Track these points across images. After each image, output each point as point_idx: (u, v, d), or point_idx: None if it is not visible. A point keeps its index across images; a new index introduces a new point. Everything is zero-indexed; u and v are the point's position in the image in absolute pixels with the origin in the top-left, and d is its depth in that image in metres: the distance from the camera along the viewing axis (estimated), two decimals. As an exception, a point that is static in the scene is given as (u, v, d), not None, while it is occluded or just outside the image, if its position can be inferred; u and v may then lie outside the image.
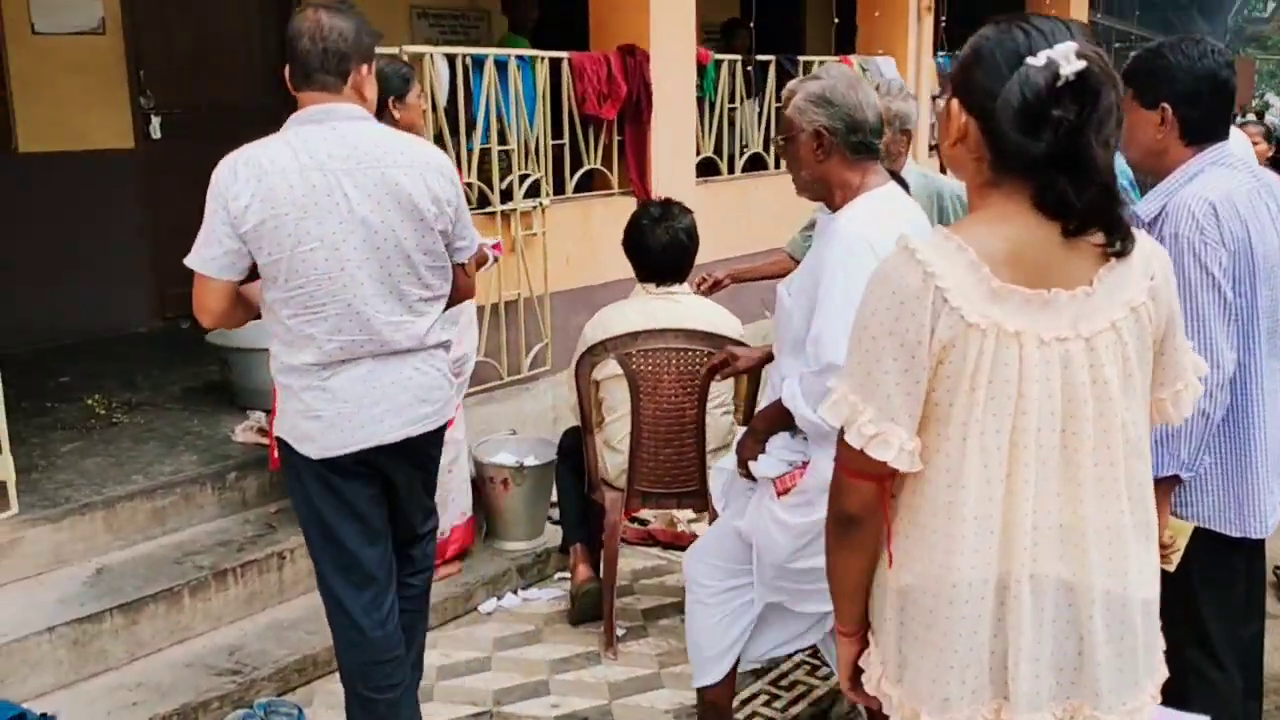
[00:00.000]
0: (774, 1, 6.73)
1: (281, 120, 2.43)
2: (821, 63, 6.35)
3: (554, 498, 4.09)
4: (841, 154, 2.44)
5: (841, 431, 1.56)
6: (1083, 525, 1.52)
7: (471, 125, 4.35)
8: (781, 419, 2.48)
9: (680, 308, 3.39)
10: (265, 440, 3.83)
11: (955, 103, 1.55)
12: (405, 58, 4.01)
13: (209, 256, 2.36)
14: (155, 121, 5.61)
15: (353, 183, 2.36)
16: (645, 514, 4.27)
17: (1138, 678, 1.59)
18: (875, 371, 1.51)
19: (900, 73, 6.88)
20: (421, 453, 2.67)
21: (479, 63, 4.36)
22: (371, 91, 2.49)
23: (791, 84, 2.52)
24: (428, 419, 2.59)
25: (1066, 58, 1.44)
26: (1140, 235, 1.58)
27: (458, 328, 3.50)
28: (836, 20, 6.87)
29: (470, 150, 4.35)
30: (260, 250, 2.35)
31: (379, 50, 3.93)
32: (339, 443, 2.46)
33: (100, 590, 3.16)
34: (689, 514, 4.51)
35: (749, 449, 2.59)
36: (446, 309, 2.66)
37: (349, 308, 2.39)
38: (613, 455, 3.49)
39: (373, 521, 2.59)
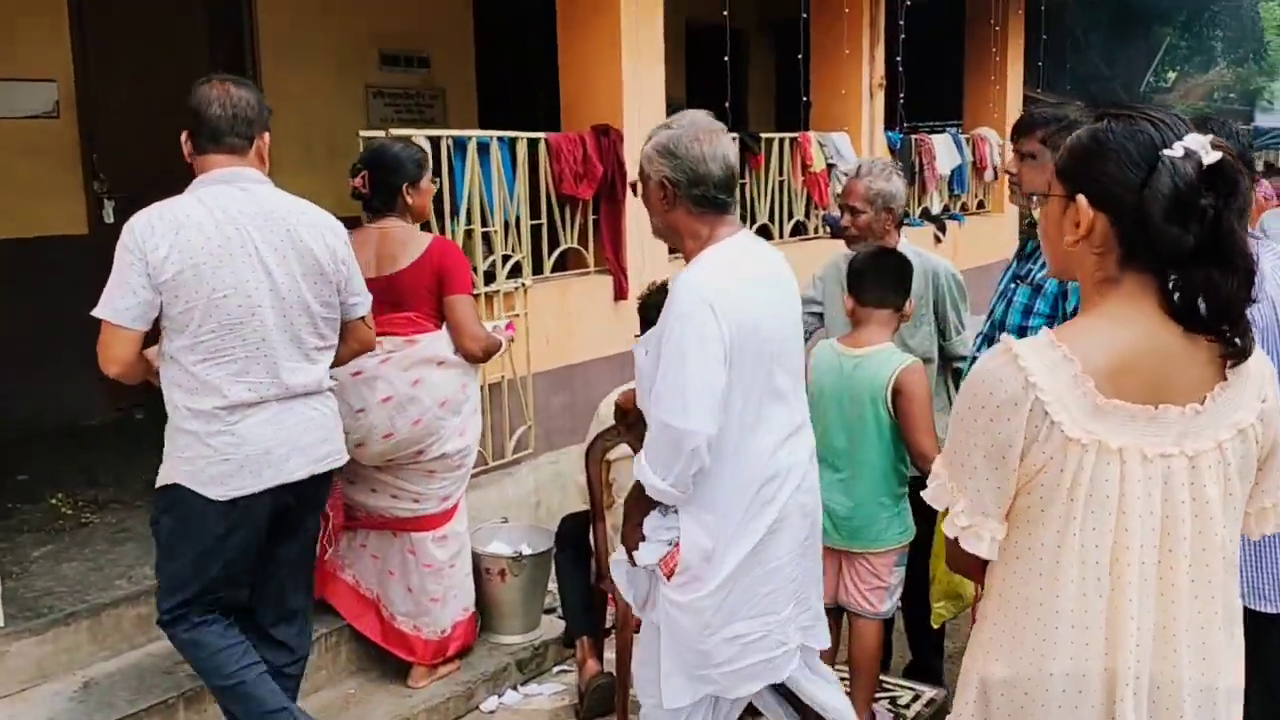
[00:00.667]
0: (718, 81, 6.84)
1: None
2: (788, 138, 6.47)
3: (551, 587, 3.98)
4: (686, 205, 2.48)
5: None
6: (1175, 626, 1.53)
7: (455, 207, 4.28)
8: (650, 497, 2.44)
9: (694, 389, 3.33)
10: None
11: (1081, 199, 1.53)
12: (389, 138, 3.95)
13: (123, 307, 2.52)
14: (109, 206, 5.43)
15: (262, 238, 2.60)
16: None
17: None
18: (968, 465, 1.56)
19: (854, 148, 7.02)
20: (320, 494, 2.88)
21: (460, 144, 4.32)
22: (265, 156, 2.75)
23: (652, 130, 2.56)
24: (329, 458, 2.80)
25: (1204, 147, 1.46)
26: (1258, 353, 1.56)
27: (460, 418, 3.40)
28: (805, 99, 6.97)
29: (454, 232, 4.28)
30: (176, 299, 2.53)
31: (365, 135, 3.91)
32: (249, 484, 2.61)
33: (90, 706, 2.96)
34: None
35: (631, 537, 2.52)
36: (349, 360, 2.98)
37: (258, 351, 2.60)
38: (623, 542, 3.39)
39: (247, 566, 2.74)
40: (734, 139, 5.94)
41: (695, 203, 2.46)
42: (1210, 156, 1.45)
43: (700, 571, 2.43)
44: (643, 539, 2.50)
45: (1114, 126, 1.53)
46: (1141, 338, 1.50)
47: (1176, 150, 1.46)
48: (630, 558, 2.53)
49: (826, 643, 2.78)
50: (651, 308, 3.38)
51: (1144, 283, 1.50)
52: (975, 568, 1.66)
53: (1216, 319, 1.48)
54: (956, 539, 1.59)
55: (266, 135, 2.75)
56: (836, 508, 3.23)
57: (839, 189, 6.89)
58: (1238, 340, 1.49)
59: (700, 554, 2.44)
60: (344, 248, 2.78)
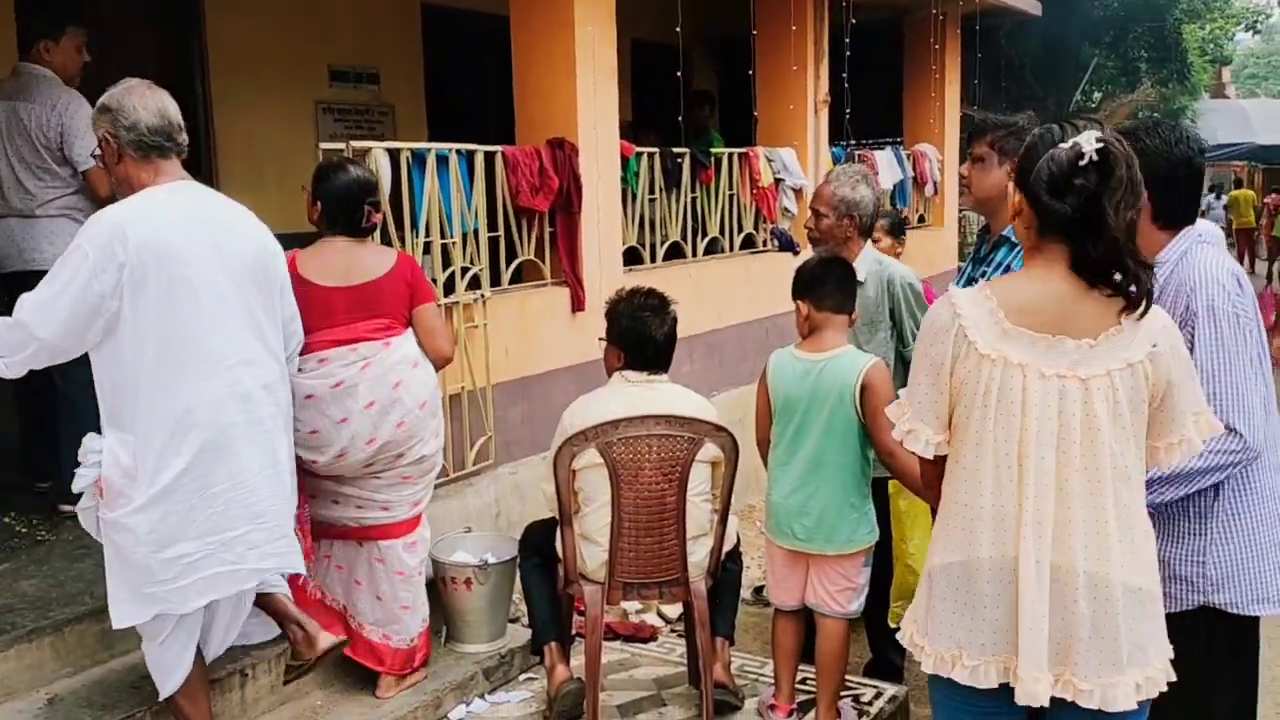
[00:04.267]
0: (661, 97, 6.93)
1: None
2: (737, 153, 6.56)
3: (516, 596, 3.99)
4: (130, 155, 2.75)
5: None
6: (1070, 520, 1.90)
7: (415, 219, 4.30)
8: None
9: (661, 395, 3.39)
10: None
11: (1011, 184, 2.03)
12: (349, 153, 3.97)
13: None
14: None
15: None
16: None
17: (1118, 659, 1.91)
18: (915, 385, 2.03)
19: (800, 162, 7.15)
20: None
21: (419, 157, 4.34)
22: None
23: None
24: None
25: (1089, 140, 1.87)
26: (1157, 311, 1.95)
27: (436, 420, 3.44)
28: (755, 115, 7.08)
29: (413, 244, 4.30)
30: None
31: (326, 147, 3.92)
32: None
33: (55, 723, 2.91)
34: (635, 605, 4.47)
35: None
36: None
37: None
38: (590, 547, 3.42)
39: None
40: (684, 154, 6.08)
41: (136, 149, 2.74)
42: (1090, 148, 1.85)
43: (125, 488, 2.66)
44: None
45: (1040, 130, 1.99)
46: (1047, 287, 1.94)
47: (1065, 145, 1.88)
48: None
49: (297, 568, 3.00)
50: (621, 315, 3.44)
51: (1058, 248, 1.94)
52: (935, 479, 2.08)
53: (1095, 275, 1.90)
54: (900, 441, 2.09)
55: None
56: (805, 511, 3.29)
57: (786, 203, 7.05)
58: (1131, 291, 1.89)
59: (121, 472, 2.68)
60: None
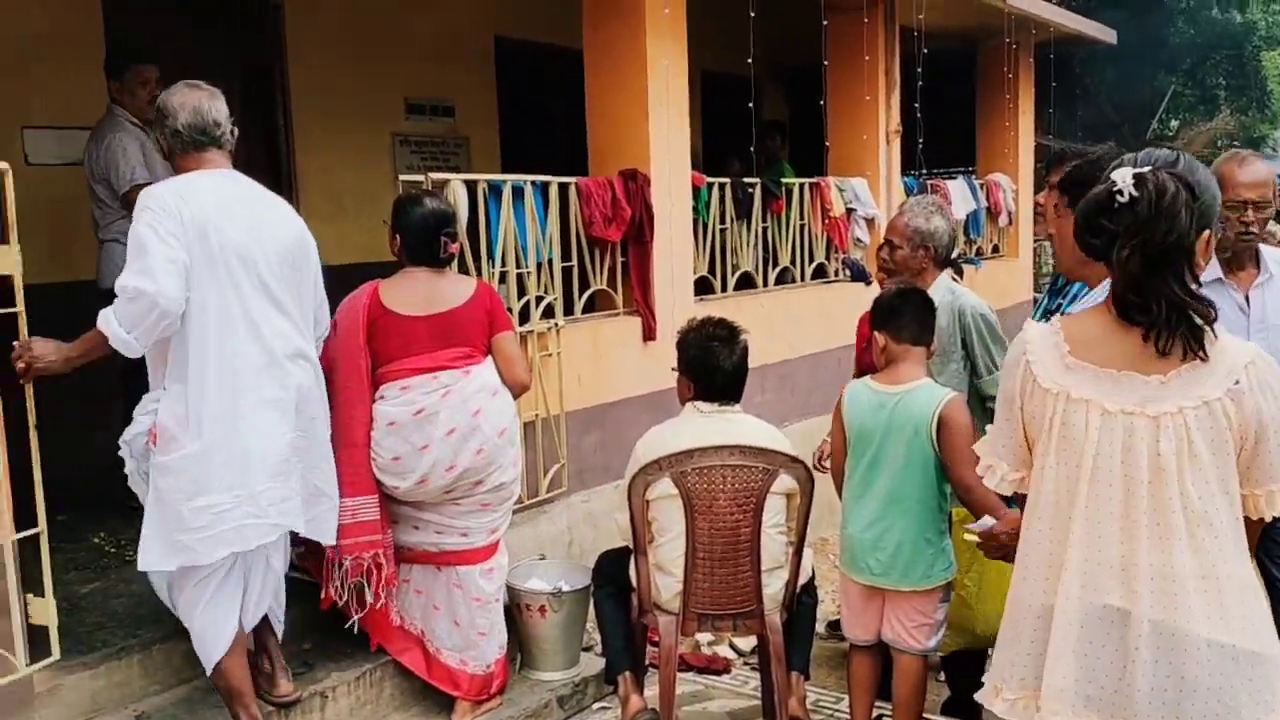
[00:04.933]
0: (732, 127, 6.95)
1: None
2: (808, 183, 6.56)
3: (589, 625, 4.00)
4: (178, 150, 3.04)
5: None
6: (1136, 564, 1.82)
7: (491, 249, 4.37)
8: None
9: (733, 425, 3.39)
10: (296, 575, 3.69)
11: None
12: (428, 185, 4.05)
13: None
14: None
15: None
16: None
17: (1191, 716, 1.79)
18: (996, 417, 2.03)
19: (872, 192, 7.13)
20: None
21: (496, 189, 4.41)
22: None
23: None
24: None
25: (1123, 177, 1.83)
26: (1238, 345, 1.87)
27: (515, 448, 3.48)
28: (827, 145, 7.09)
29: (489, 273, 4.36)
30: None
31: (406, 179, 4.00)
32: None
33: (144, 740, 2.98)
34: (708, 637, 4.45)
35: None
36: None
37: None
38: (664, 577, 3.42)
39: None
40: (755, 184, 6.09)
41: (182, 145, 3.01)
42: (1123, 185, 1.82)
43: (178, 433, 2.88)
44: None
45: (1090, 159, 2.13)
46: (1114, 321, 1.89)
47: (1104, 180, 1.85)
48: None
49: (316, 535, 3.18)
50: (690, 344, 3.45)
51: None
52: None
53: (1121, 312, 1.87)
54: (982, 476, 2.07)
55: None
56: (881, 545, 3.26)
57: (858, 233, 7.02)
58: (1163, 329, 1.82)
59: (175, 419, 2.90)
60: None
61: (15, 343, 2.87)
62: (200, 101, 3.00)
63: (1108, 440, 1.83)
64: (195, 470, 2.86)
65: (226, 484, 2.88)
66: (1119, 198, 1.82)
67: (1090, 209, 1.87)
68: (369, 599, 3.33)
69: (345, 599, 3.35)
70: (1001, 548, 2.66)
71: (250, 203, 3.03)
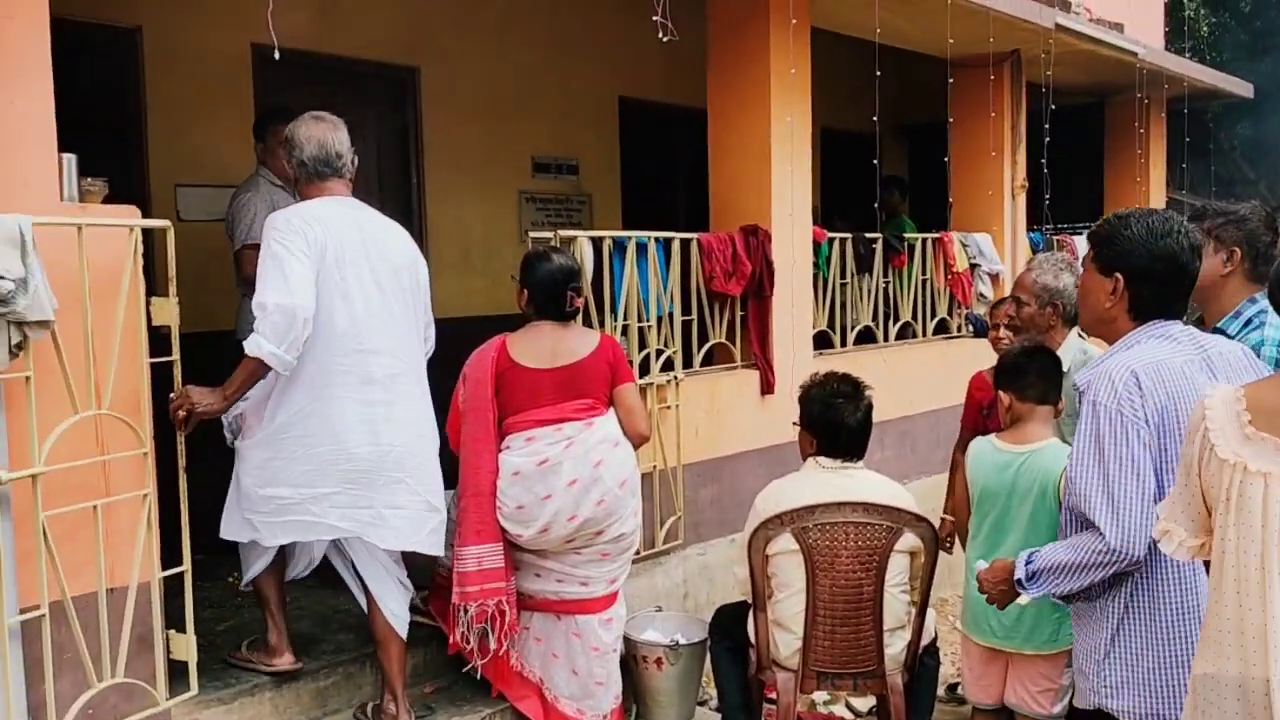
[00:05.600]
0: (852, 184, 6.95)
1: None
2: (931, 238, 6.51)
3: (705, 678, 3.99)
4: (301, 178, 3.26)
5: None
6: None
7: (615, 303, 4.45)
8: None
9: (856, 482, 3.37)
10: (419, 619, 3.77)
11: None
12: (556, 241, 4.15)
13: None
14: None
15: None
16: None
17: None
18: (1176, 481, 1.95)
19: (996, 248, 7.02)
20: None
21: (620, 244, 4.50)
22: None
23: None
24: None
25: None
26: None
27: (636, 499, 3.52)
28: (950, 201, 7.04)
29: (612, 326, 4.44)
30: None
31: (536, 235, 4.13)
32: None
33: (274, 775, 3.07)
34: (824, 695, 4.37)
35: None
36: None
37: None
38: (783, 634, 3.39)
39: None
40: (877, 239, 6.07)
41: (304, 172, 3.24)
42: None
43: (253, 423, 3.17)
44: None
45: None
46: None
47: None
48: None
49: (388, 544, 3.27)
50: (814, 400, 3.45)
51: None
52: None
53: None
54: (1157, 540, 1.99)
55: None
56: (1007, 609, 3.18)
57: (982, 288, 6.92)
58: None
59: (253, 408, 3.18)
60: None
61: (172, 394, 3.05)
62: (325, 134, 3.21)
63: None
64: (263, 460, 3.12)
65: (293, 481, 3.09)
66: None
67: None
68: (492, 645, 3.39)
69: (470, 645, 3.41)
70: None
71: (367, 225, 3.23)
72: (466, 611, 3.37)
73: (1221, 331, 2.99)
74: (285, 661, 3.34)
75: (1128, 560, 2.23)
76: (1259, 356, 2.79)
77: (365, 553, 3.31)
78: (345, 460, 3.11)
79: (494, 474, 3.41)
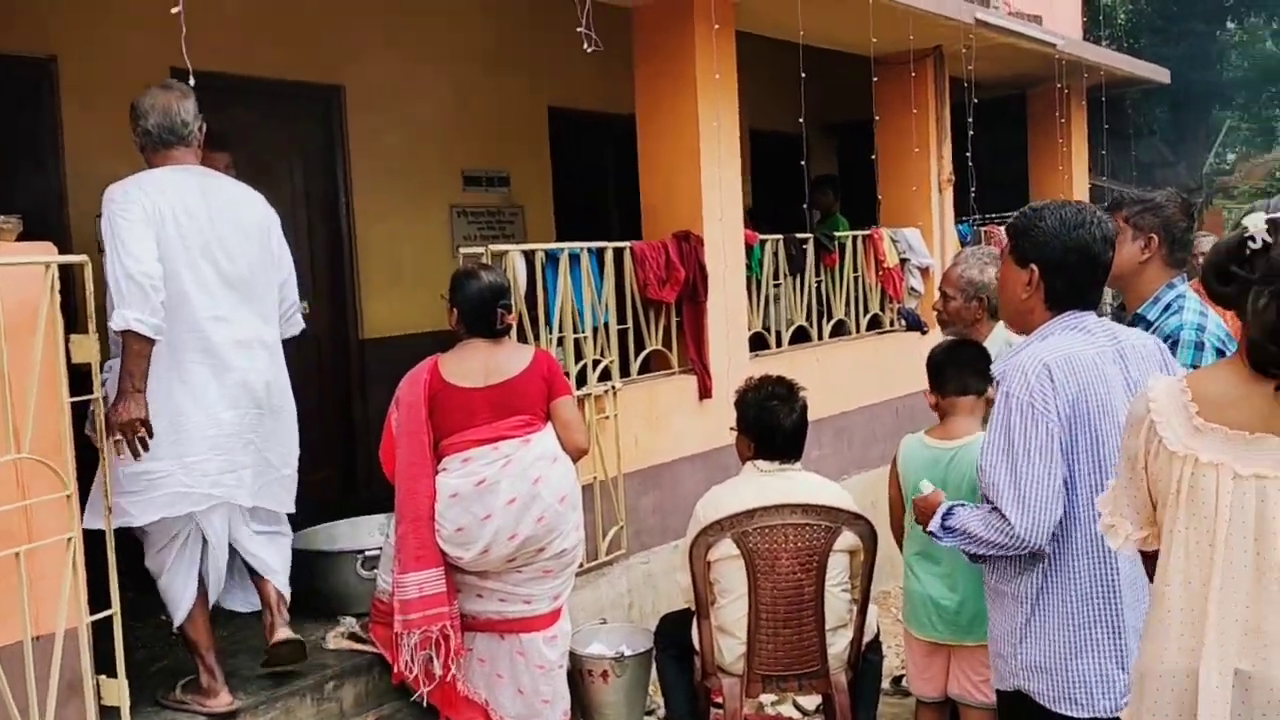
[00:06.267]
0: (782, 185, 6.99)
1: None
2: (861, 235, 6.58)
3: (651, 688, 3.99)
4: (152, 148, 3.24)
5: None
6: (1265, 629, 1.74)
7: (549, 315, 4.44)
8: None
9: (794, 484, 3.39)
10: (360, 647, 3.74)
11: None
12: (487, 257, 4.14)
13: None
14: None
15: None
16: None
17: None
18: (1118, 474, 1.94)
19: (925, 241, 7.12)
20: None
21: (553, 256, 4.49)
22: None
23: None
24: None
25: (1255, 222, 1.77)
26: None
27: (577, 513, 3.52)
28: (879, 198, 7.12)
29: (547, 339, 4.43)
30: None
31: (467, 251, 4.10)
32: None
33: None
34: (771, 697, 4.39)
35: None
36: None
37: None
38: (727, 639, 3.41)
39: None
40: (808, 239, 6.12)
41: (149, 141, 3.23)
42: (1256, 231, 1.76)
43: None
44: None
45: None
46: (1247, 379, 1.78)
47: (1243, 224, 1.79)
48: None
49: (253, 503, 3.34)
50: (750, 404, 3.47)
51: None
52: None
53: (1255, 365, 1.76)
54: (1103, 534, 1.99)
55: None
56: (944, 602, 3.23)
57: (913, 282, 7.01)
58: None
59: (112, 383, 3.08)
60: None
61: (88, 431, 3.03)
62: (170, 102, 3.22)
63: (1239, 505, 1.74)
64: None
65: (161, 454, 3.08)
66: (1251, 244, 1.76)
67: (1220, 256, 1.80)
68: (437, 672, 3.35)
69: (414, 673, 3.38)
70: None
71: (214, 192, 3.25)
72: (410, 639, 3.33)
73: (1141, 317, 3.06)
74: (221, 702, 3.28)
75: (1030, 548, 2.31)
76: (1178, 340, 2.86)
77: (244, 526, 3.40)
78: (212, 427, 3.18)
79: (432, 498, 3.39)
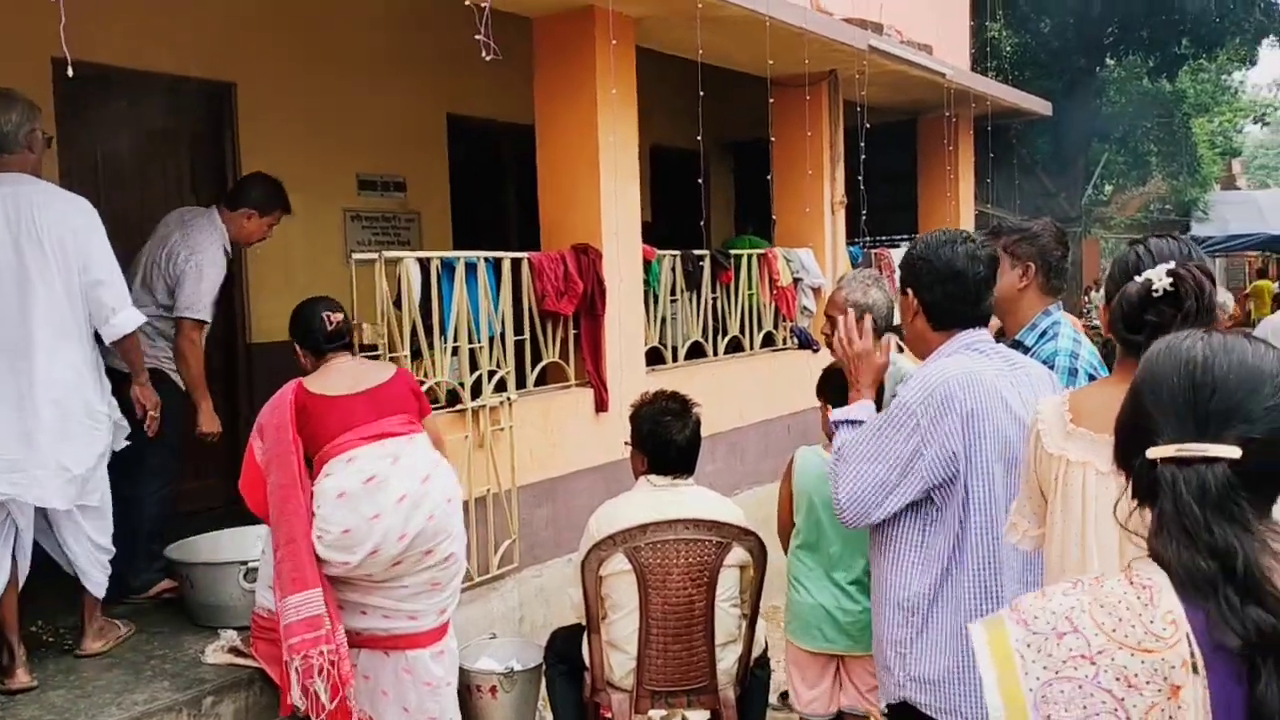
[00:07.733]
0: (681, 201, 7.06)
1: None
2: (756, 254, 6.66)
3: (541, 703, 3.96)
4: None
5: None
6: None
7: (444, 325, 4.39)
8: None
9: (686, 498, 3.41)
10: (240, 661, 3.62)
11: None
12: (381, 263, 4.07)
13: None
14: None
15: None
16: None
17: None
18: (1022, 481, 2.16)
19: (818, 262, 7.25)
20: None
21: (449, 265, 4.44)
22: None
23: None
24: None
25: (1159, 275, 1.98)
26: None
27: (460, 517, 3.48)
28: (774, 218, 7.21)
29: (442, 348, 4.37)
30: None
31: (359, 257, 4.02)
32: None
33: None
34: (660, 712, 4.40)
35: None
36: None
37: None
38: (617, 655, 3.41)
39: None
40: (705, 256, 6.17)
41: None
42: (1160, 283, 1.97)
43: None
44: None
45: (1121, 253, 2.15)
46: (1116, 391, 1.87)
47: (1138, 279, 2.01)
48: None
49: (43, 504, 3.42)
50: (644, 419, 3.48)
51: (1132, 363, 1.97)
52: None
53: None
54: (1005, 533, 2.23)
55: None
56: (839, 613, 3.28)
57: (805, 301, 7.13)
58: None
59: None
60: None
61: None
62: None
63: (1102, 497, 1.95)
64: None
65: None
66: (1154, 294, 1.97)
67: (1132, 305, 2.00)
68: (325, 700, 3.20)
69: (306, 705, 3.24)
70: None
71: (23, 197, 3.36)
72: (294, 663, 3.20)
73: (1019, 343, 3.16)
74: (17, 681, 3.42)
75: (842, 521, 2.57)
76: (1053, 365, 2.97)
77: (70, 525, 3.55)
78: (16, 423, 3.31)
79: (307, 520, 3.24)
